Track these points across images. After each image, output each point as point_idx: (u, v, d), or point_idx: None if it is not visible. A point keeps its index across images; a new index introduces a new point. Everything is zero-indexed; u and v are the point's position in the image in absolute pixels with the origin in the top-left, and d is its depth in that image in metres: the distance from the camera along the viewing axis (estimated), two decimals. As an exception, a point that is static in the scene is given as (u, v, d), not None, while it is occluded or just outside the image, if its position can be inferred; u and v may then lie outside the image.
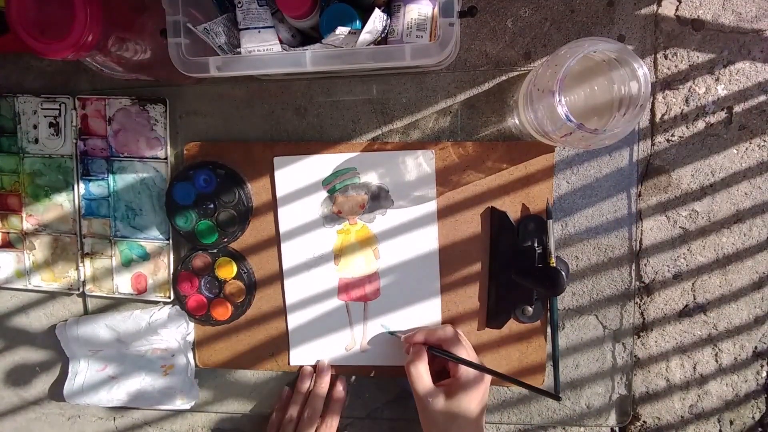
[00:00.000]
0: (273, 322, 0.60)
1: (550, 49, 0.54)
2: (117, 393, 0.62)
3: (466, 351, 0.52)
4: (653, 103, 0.54)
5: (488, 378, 0.52)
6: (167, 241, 0.60)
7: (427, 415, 0.51)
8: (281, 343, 0.60)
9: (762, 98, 0.53)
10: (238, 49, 0.45)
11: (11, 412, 0.68)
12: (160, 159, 0.59)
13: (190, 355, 0.62)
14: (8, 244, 0.63)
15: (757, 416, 0.57)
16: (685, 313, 0.56)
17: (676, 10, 0.53)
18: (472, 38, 0.55)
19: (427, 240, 0.56)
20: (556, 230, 0.55)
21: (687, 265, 0.56)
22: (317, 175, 0.57)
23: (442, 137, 0.56)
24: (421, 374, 0.52)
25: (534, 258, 0.54)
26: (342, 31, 0.43)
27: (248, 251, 0.59)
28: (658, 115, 0.54)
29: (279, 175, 0.57)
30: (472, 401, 0.50)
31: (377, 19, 0.43)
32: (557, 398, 0.51)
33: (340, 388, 0.58)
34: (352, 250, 0.58)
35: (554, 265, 0.53)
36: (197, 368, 0.62)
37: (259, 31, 0.45)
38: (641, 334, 0.57)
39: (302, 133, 0.57)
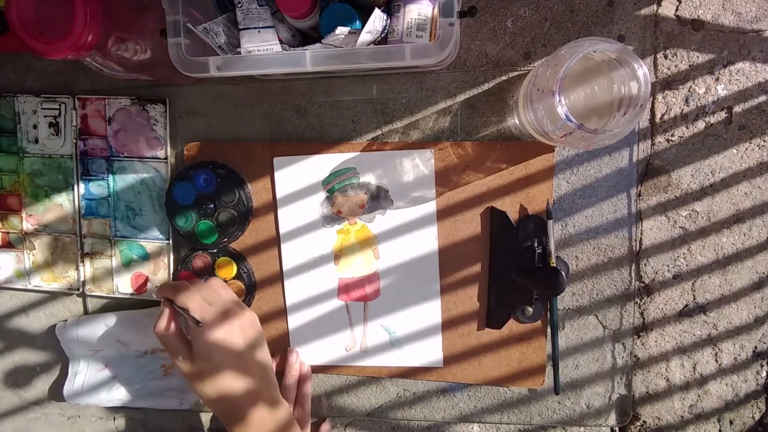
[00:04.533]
0: (273, 322, 0.60)
1: (550, 49, 0.54)
2: (117, 393, 0.62)
3: (190, 296, 0.51)
4: (653, 103, 0.54)
5: (218, 326, 0.50)
6: (167, 241, 0.60)
7: (186, 379, 0.51)
8: (281, 344, 0.60)
9: (762, 98, 0.53)
10: (238, 49, 0.45)
11: (11, 412, 0.68)
12: (160, 159, 0.59)
13: (190, 355, 0.62)
14: (8, 244, 0.63)
15: (757, 416, 0.57)
16: (685, 313, 0.56)
17: (676, 10, 0.53)
18: (472, 38, 0.55)
19: (427, 240, 0.56)
20: (556, 230, 0.55)
21: (687, 265, 0.56)
22: (317, 176, 0.57)
23: (442, 137, 0.56)
24: (165, 337, 0.51)
25: (534, 258, 0.54)
26: (342, 31, 0.43)
27: (248, 251, 0.59)
28: (658, 115, 0.54)
29: (279, 175, 0.57)
30: (212, 362, 0.49)
31: (377, 19, 0.43)
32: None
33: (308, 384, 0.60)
34: (352, 251, 0.58)
35: (554, 265, 0.53)
36: (197, 368, 0.62)
37: (259, 31, 0.45)
38: (641, 334, 0.57)
39: (302, 133, 0.57)
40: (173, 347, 0.51)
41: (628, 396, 0.57)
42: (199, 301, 0.51)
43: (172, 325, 0.51)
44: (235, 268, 0.59)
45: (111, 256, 0.61)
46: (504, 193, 0.55)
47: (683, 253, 0.55)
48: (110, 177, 0.60)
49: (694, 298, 0.56)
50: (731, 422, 0.57)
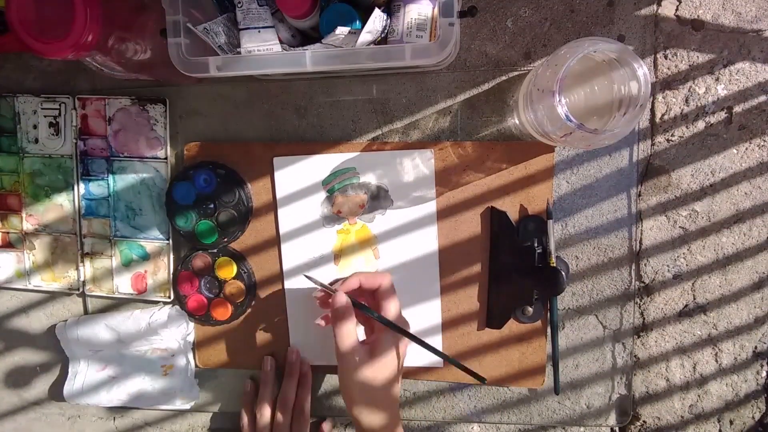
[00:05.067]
0: (273, 322, 0.60)
1: (550, 49, 0.54)
2: (117, 393, 0.62)
3: (395, 305, 0.51)
4: (653, 103, 0.54)
5: (406, 342, 0.51)
6: (167, 241, 0.60)
7: (346, 377, 0.50)
8: (281, 343, 0.60)
9: (762, 98, 0.53)
10: (238, 49, 0.45)
11: (11, 412, 0.68)
12: (160, 159, 0.59)
13: (190, 355, 0.62)
14: (8, 244, 0.63)
15: (757, 416, 0.57)
16: (685, 313, 0.56)
17: (676, 10, 0.53)
18: (472, 38, 0.55)
19: (427, 240, 0.56)
20: (556, 230, 0.55)
21: (687, 265, 0.56)
22: (317, 176, 0.57)
23: (442, 137, 0.56)
24: (350, 333, 0.49)
25: (534, 258, 0.54)
26: (342, 31, 0.43)
27: (248, 251, 0.59)
28: (658, 115, 0.54)
29: (279, 175, 0.57)
30: (387, 367, 0.49)
31: (377, 19, 0.43)
32: (483, 380, 0.51)
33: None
34: (352, 251, 0.58)
35: (554, 265, 0.53)
36: (197, 368, 0.62)
37: (259, 31, 0.45)
38: (641, 334, 0.57)
39: (302, 133, 0.57)
40: (343, 326, 0.49)
41: (628, 396, 0.57)
42: (398, 310, 0.51)
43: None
44: (235, 268, 0.59)
45: (111, 256, 0.61)
46: (504, 193, 0.55)
47: (683, 253, 0.55)
48: (110, 177, 0.60)
49: (694, 298, 0.56)
50: (731, 422, 0.57)
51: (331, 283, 0.54)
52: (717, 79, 0.53)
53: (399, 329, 0.50)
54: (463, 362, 0.57)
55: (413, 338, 0.50)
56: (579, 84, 0.46)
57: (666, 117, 0.54)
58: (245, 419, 0.59)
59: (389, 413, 0.50)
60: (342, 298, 0.50)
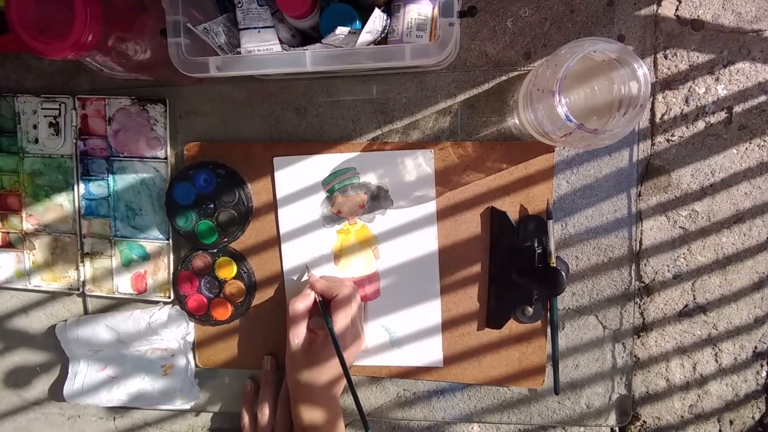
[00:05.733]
0: (273, 322, 0.60)
1: (550, 49, 0.54)
2: (117, 393, 0.62)
3: (345, 317, 0.53)
4: (653, 103, 0.54)
5: (360, 343, 0.55)
6: (167, 241, 0.60)
7: (291, 376, 0.55)
8: (281, 343, 0.60)
9: (762, 98, 0.53)
10: (238, 49, 0.45)
11: (11, 412, 0.68)
12: (160, 159, 0.59)
13: (190, 355, 0.62)
14: (8, 244, 0.63)
15: (757, 416, 0.57)
16: (685, 313, 0.56)
17: (676, 10, 0.53)
18: (472, 38, 0.55)
19: (427, 240, 0.56)
20: (556, 230, 0.55)
21: (687, 265, 0.56)
22: (317, 176, 0.57)
23: (442, 137, 0.56)
24: (300, 335, 0.54)
25: (534, 258, 0.54)
26: (342, 31, 0.43)
27: (248, 251, 0.59)
28: (658, 115, 0.54)
29: (279, 175, 0.57)
30: (329, 370, 0.53)
31: (377, 19, 0.43)
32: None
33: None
34: (352, 251, 0.58)
35: (554, 265, 0.53)
36: (197, 368, 0.62)
37: (259, 31, 0.45)
38: (641, 334, 0.57)
39: (302, 133, 0.57)
40: (296, 328, 0.54)
41: (628, 396, 0.57)
42: (347, 322, 0.53)
43: (307, 312, 0.55)
44: (235, 268, 0.59)
45: (111, 256, 0.61)
46: (504, 193, 0.55)
47: (683, 253, 0.55)
48: (110, 177, 0.60)
49: (694, 298, 0.56)
50: (731, 422, 0.57)
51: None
52: (717, 79, 0.53)
53: (336, 348, 0.52)
54: (463, 362, 0.58)
55: (343, 365, 0.52)
56: (579, 84, 0.46)
57: (666, 117, 0.54)
58: (246, 419, 0.59)
59: (329, 410, 0.53)
60: (298, 306, 0.54)
